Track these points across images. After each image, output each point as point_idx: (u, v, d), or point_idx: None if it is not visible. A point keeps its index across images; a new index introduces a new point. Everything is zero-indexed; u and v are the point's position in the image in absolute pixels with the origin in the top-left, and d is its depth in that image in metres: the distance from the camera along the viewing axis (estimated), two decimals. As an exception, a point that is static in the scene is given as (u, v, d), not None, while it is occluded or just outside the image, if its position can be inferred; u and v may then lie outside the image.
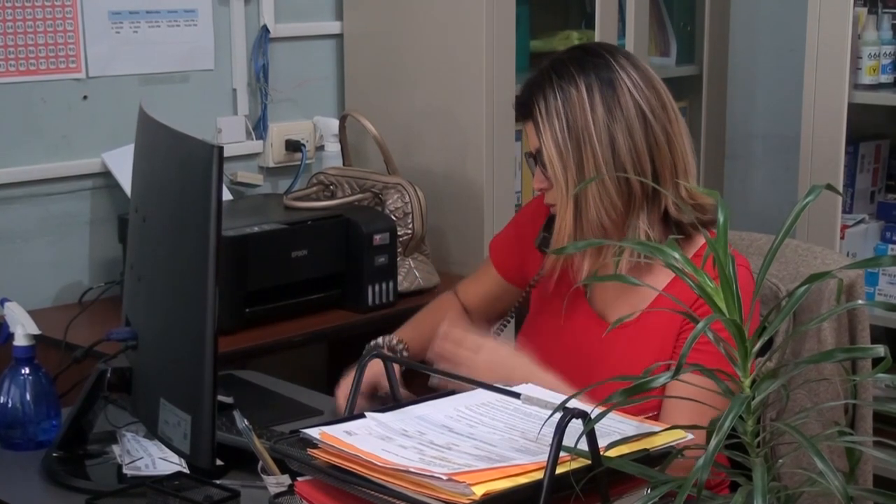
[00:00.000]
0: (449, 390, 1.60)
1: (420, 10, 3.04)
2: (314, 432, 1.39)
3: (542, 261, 2.06)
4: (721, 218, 1.24)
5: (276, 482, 1.52)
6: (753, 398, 1.20)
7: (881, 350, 1.19)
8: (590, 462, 1.28)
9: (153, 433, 1.75)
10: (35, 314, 2.03)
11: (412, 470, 1.28)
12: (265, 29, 3.06)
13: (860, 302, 2.12)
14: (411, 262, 2.80)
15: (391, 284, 2.69)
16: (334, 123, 3.08)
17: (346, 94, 3.24)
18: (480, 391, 1.53)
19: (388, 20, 3.12)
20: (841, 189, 2.98)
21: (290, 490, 1.47)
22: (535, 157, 1.96)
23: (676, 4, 3.65)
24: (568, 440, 1.26)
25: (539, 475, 1.27)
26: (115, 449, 1.87)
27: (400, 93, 3.11)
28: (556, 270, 2.00)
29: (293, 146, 3.13)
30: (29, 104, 2.70)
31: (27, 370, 1.95)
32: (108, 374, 1.82)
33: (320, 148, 3.16)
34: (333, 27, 3.22)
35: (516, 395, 1.44)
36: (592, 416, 1.25)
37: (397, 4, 3.09)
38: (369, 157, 3.07)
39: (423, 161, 3.05)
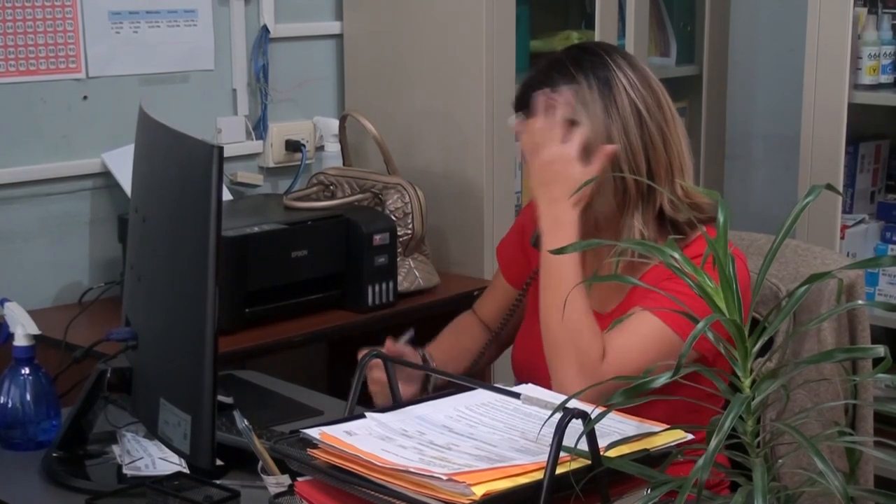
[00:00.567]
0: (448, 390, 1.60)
1: (420, 10, 3.04)
2: (314, 432, 1.39)
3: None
4: (721, 218, 1.24)
5: (276, 482, 1.52)
6: (753, 398, 1.20)
7: (881, 350, 1.19)
8: (590, 462, 1.28)
9: (153, 433, 1.75)
10: (35, 314, 2.03)
11: (412, 470, 1.28)
12: (265, 29, 3.06)
13: (860, 302, 2.12)
14: (411, 263, 2.80)
15: (391, 284, 2.69)
16: (334, 123, 3.08)
17: (346, 94, 3.24)
18: (481, 391, 1.53)
19: (388, 20, 3.12)
20: (841, 189, 2.99)
21: (290, 490, 1.47)
22: None
23: (676, 4, 3.65)
24: (568, 440, 1.26)
25: (539, 475, 1.27)
26: (115, 449, 1.87)
27: (400, 93, 3.11)
28: None
29: (293, 146, 3.13)
30: (29, 104, 2.70)
31: (27, 370, 1.95)
32: (108, 374, 1.82)
33: (320, 148, 3.16)
34: (333, 27, 3.22)
35: (516, 396, 1.44)
36: (592, 416, 1.25)
37: (397, 4, 3.09)
38: (369, 157, 3.07)
39: (423, 161, 3.05)
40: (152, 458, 1.82)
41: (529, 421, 1.44)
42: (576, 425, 1.26)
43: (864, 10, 3.00)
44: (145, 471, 1.79)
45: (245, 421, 1.59)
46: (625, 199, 1.94)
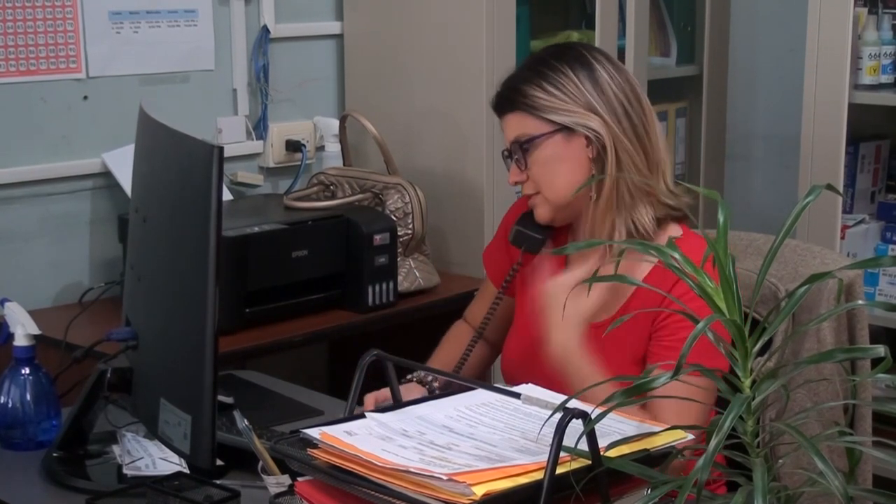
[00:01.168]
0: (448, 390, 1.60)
1: (420, 10, 3.04)
2: (314, 432, 1.39)
3: (528, 260, 2.06)
4: (721, 218, 1.24)
5: (276, 482, 1.52)
6: (753, 398, 1.20)
7: (881, 350, 1.19)
8: (590, 462, 1.28)
9: (153, 433, 1.75)
10: (35, 314, 2.03)
11: (412, 470, 1.28)
12: (265, 29, 3.06)
13: (860, 302, 2.12)
14: (411, 263, 2.80)
15: (391, 284, 2.69)
16: (334, 123, 3.08)
17: (346, 94, 3.24)
18: (480, 391, 1.53)
19: (388, 20, 3.12)
20: (841, 189, 2.98)
21: (290, 490, 1.47)
22: (511, 150, 1.98)
23: (676, 4, 3.65)
24: (568, 440, 1.26)
25: (539, 475, 1.27)
26: (116, 449, 1.87)
27: (400, 93, 3.11)
28: (535, 270, 2.01)
29: (293, 146, 3.13)
30: (29, 104, 2.70)
31: (27, 370, 1.95)
32: (109, 374, 1.82)
33: (320, 148, 3.16)
34: (333, 27, 3.23)
35: (516, 395, 1.44)
36: (593, 416, 1.25)
37: (397, 4, 3.09)
38: (369, 157, 3.07)
39: (423, 161, 3.05)
40: (152, 458, 1.82)
41: (529, 421, 1.44)
42: (576, 425, 1.26)
43: (865, 10, 2.99)
44: (145, 471, 1.79)
45: (245, 421, 1.60)
46: (613, 195, 1.95)
